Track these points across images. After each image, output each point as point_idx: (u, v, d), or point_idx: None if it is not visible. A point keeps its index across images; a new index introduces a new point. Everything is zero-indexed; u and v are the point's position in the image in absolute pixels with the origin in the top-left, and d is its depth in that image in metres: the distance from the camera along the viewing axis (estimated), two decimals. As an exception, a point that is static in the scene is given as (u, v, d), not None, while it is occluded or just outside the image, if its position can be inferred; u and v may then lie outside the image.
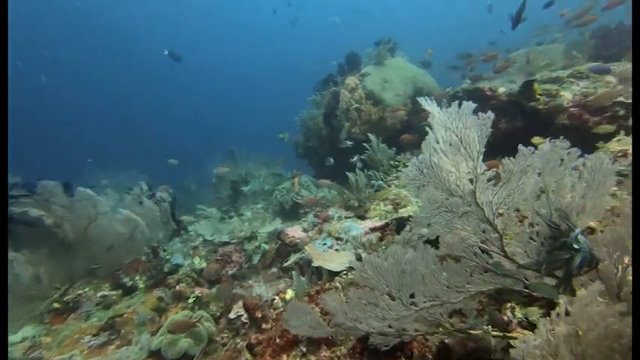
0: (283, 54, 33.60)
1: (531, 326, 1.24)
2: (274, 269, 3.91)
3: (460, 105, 1.05)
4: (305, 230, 4.00)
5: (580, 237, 0.91)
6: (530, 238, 1.00)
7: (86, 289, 3.37)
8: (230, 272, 4.23)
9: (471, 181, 1.01)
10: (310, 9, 29.96)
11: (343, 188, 5.99)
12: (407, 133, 5.69)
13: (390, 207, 3.30)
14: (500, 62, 5.44)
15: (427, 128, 1.05)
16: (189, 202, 8.79)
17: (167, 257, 3.82)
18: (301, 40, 31.92)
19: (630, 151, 2.11)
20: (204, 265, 3.85)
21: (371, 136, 4.48)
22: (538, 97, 3.09)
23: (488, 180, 1.01)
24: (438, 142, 1.02)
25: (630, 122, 2.77)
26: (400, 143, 5.65)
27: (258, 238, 4.57)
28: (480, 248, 1.06)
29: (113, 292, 3.37)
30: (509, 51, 6.83)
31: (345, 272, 2.23)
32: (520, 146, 1.07)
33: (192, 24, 31.46)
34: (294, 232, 3.99)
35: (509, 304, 1.40)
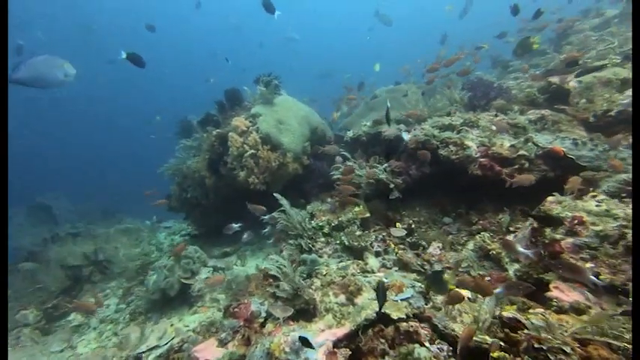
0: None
1: None
2: None
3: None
4: (223, 343, 2.83)
5: None
6: None
7: None
8: None
9: None
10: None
11: (244, 256, 4.91)
12: (309, 177, 5.21)
13: (342, 297, 2.63)
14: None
15: None
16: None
17: None
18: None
19: (586, 219, 2.23)
20: None
21: (280, 199, 3.67)
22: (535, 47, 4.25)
23: None
24: None
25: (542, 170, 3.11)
26: (304, 190, 5.12)
27: (141, 369, 3.00)
28: None
29: None
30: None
31: None
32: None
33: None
34: (208, 351, 2.76)
35: None
